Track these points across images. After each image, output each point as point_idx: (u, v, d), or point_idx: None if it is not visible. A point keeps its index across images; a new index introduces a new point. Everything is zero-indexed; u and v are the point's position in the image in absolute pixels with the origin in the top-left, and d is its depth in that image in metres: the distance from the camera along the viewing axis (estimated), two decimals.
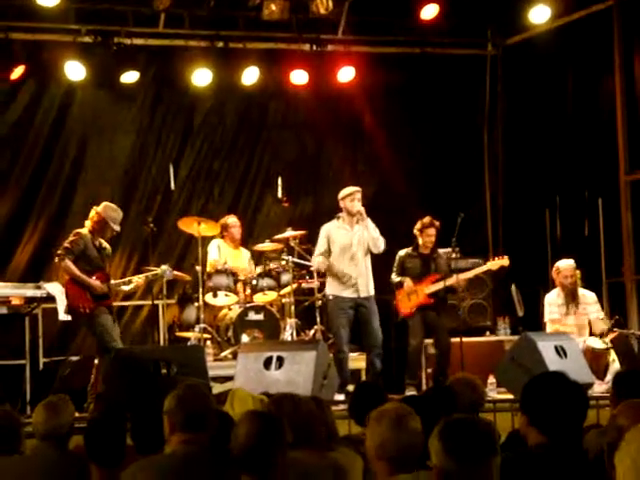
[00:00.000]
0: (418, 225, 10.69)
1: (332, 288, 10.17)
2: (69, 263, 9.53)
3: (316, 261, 10.32)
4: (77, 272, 9.54)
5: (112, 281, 9.91)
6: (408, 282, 10.55)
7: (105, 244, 9.85)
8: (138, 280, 10.17)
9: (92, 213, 9.75)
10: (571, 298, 10.61)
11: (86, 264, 9.61)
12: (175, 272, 10.93)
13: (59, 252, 9.64)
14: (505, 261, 10.77)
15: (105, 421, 5.11)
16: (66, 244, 9.65)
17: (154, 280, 10.71)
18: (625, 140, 12.00)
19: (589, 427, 5.09)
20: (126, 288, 10.14)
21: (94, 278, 9.60)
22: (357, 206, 10.08)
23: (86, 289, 9.53)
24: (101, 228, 9.69)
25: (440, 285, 10.55)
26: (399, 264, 10.70)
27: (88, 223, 9.73)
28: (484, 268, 10.92)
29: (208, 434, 4.51)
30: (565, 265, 10.66)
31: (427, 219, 10.67)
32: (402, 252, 10.72)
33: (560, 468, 3.81)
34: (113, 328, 9.59)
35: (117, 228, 9.77)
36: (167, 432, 4.54)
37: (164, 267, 10.34)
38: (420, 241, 10.67)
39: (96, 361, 9.76)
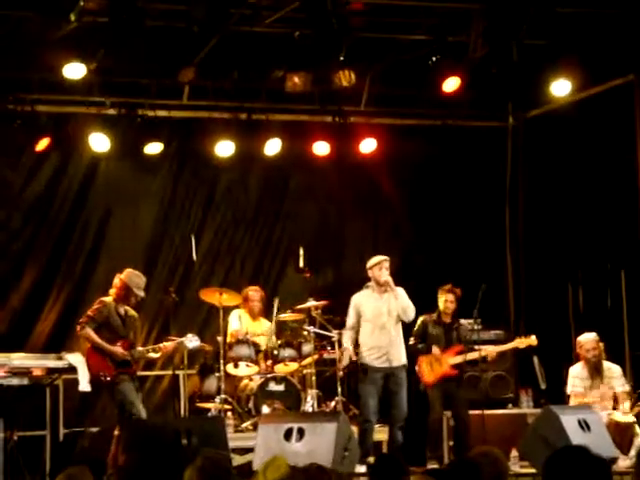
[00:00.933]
0: (439, 292, 10.69)
1: (363, 357, 10.15)
2: (90, 331, 9.60)
3: (345, 337, 10.31)
4: (98, 340, 9.60)
5: (140, 348, 9.92)
6: (436, 349, 10.52)
7: (131, 311, 9.92)
8: (166, 346, 10.16)
9: (116, 280, 9.83)
10: (595, 372, 10.51)
11: (109, 332, 9.68)
12: (204, 345, 10.96)
13: (81, 320, 9.72)
14: (533, 341, 10.74)
15: None
16: (89, 312, 9.75)
17: (178, 348, 10.69)
18: None
19: None
20: (154, 355, 10.16)
21: (117, 345, 9.64)
22: (385, 275, 10.11)
23: (107, 356, 9.57)
24: (125, 295, 9.77)
25: (469, 357, 10.50)
26: (422, 330, 10.66)
27: (112, 291, 9.80)
28: (512, 345, 10.88)
29: None
30: (586, 339, 10.59)
31: (447, 286, 10.70)
32: (424, 318, 10.69)
33: None
34: (135, 396, 9.59)
35: (141, 294, 9.83)
36: None
37: (190, 335, 10.34)
38: (441, 308, 10.66)
39: (116, 432, 9.73)
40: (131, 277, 9.82)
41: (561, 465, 3.97)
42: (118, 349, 9.64)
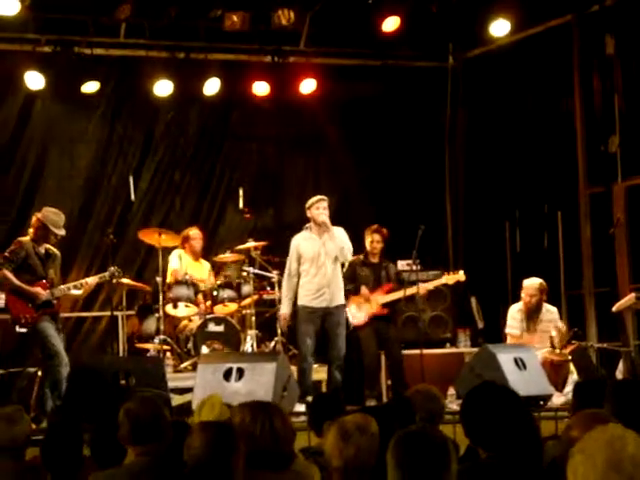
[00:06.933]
0: (365, 233, 10.70)
1: (300, 298, 10.12)
2: (7, 273, 9.26)
3: (284, 295, 10.23)
4: (16, 281, 9.29)
5: (62, 286, 9.67)
6: (364, 289, 10.55)
7: (53, 250, 9.58)
8: (87, 282, 9.93)
9: (33, 219, 9.53)
10: (533, 314, 10.57)
11: (27, 273, 9.35)
12: (129, 280, 10.85)
13: None
14: (460, 276, 10.79)
15: (62, 432, 5.07)
16: (6, 253, 9.38)
17: (104, 283, 10.49)
18: (584, 153, 12.09)
19: (547, 438, 5.11)
20: (76, 292, 9.86)
21: (37, 286, 9.37)
22: (322, 216, 10.06)
23: (27, 298, 9.34)
24: (43, 234, 9.44)
25: (397, 295, 10.56)
26: (351, 271, 10.66)
27: (30, 230, 9.52)
28: (441, 282, 10.93)
29: (162, 445, 4.48)
30: (528, 284, 10.57)
31: (374, 226, 10.68)
32: (352, 260, 10.66)
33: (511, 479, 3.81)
34: (56, 336, 9.35)
35: (60, 232, 9.48)
36: None
37: (112, 268, 10.12)
38: (368, 248, 10.68)
39: (39, 372, 9.61)
40: (48, 216, 9.47)
41: (471, 409, 4.04)
42: (39, 290, 9.36)
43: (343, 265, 10.52)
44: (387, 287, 10.62)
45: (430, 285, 10.90)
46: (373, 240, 10.64)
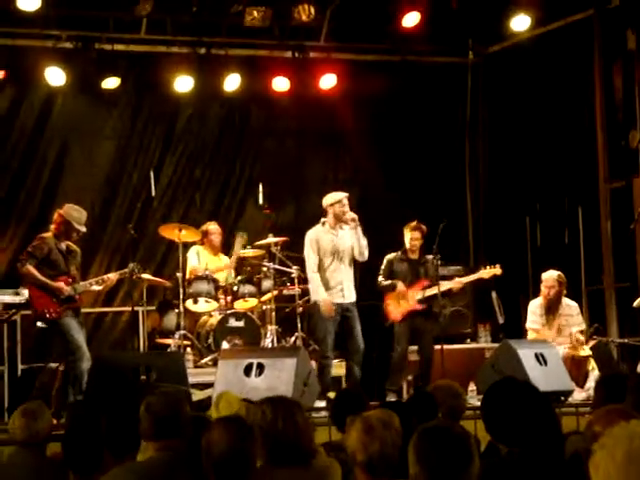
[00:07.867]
0: (404, 229, 10.68)
1: (319, 294, 10.09)
2: (30, 268, 9.32)
3: (316, 284, 10.12)
4: (39, 276, 9.34)
5: (83, 282, 9.73)
6: (400, 285, 10.52)
7: (73, 247, 9.64)
8: (109, 277, 9.98)
9: (55, 216, 9.59)
10: (553, 308, 10.56)
11: (50, 269, 9.41)
12: (149, 276, 10.89)
13: (21, 257, 9.47)
14: (498, 270, 10.70)
15: (83, 428, 5.08)
16: (28, 249, 9.46)
17: (124, 279, 10.52)
18: (604, 148, 12.04)
19: (569, 434, 5.10)
20: (98, 287, 9.92)
21: (60, 281, 9.41)
22: (350, 212, 10.05)
23: (51, 293, 9.40)
24: (65, 230, 9.49)
25: (433, 290, 10.50)
26: (387, 268, 10.64)
27: (52, 227, 9.57)
28: (477, 276, 10.86)
29: (182, 440, 4.49)
30: (547, 276, 10.59)
31: (413, 223, 10.64)
32: (390, 256, 10.66)
33: (532, 475, 3.80)
34: (78, 331, 9.41)
35: (82, 229, 9.54)
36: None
37: (132, 264, 10.16)
38: (407, 245, 10.65)
39: (60, 367, 9.65)
40: (70, 212, 9.53)
41: (491, 406, 4.03)
42: (62, 285, 9.41)
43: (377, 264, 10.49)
44: (423, 283, 10.58)
45: (467, 279, 10.87)
46: (412, 237, 10.59)
